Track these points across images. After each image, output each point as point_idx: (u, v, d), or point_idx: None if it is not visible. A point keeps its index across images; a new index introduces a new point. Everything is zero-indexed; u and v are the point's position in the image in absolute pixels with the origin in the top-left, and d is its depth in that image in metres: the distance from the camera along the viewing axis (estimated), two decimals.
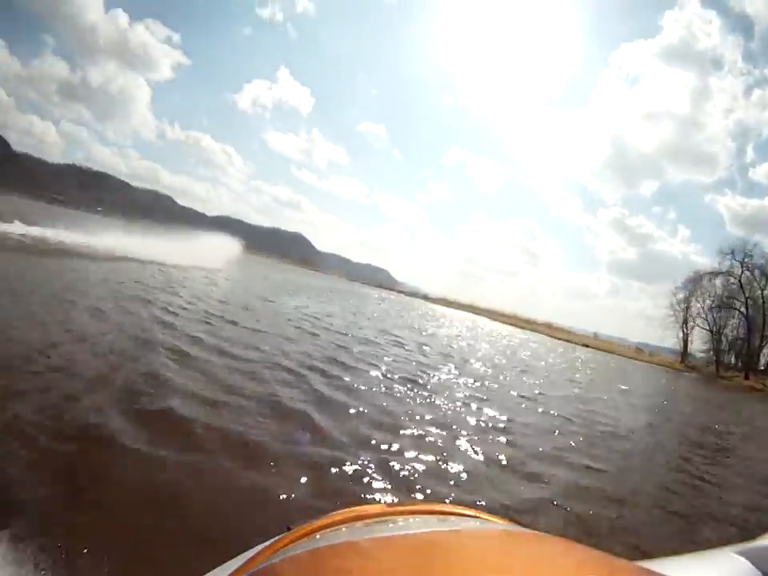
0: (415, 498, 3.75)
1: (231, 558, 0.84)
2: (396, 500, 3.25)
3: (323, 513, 0.80)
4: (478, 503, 3.83)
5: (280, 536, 0.75)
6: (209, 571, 0.83)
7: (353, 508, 0.84)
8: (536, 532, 0.69)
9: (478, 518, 0.81)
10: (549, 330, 72.64)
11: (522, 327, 72.87)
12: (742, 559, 0.84)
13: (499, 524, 0.79)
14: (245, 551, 0.80)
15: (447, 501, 3.72)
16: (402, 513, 0.78)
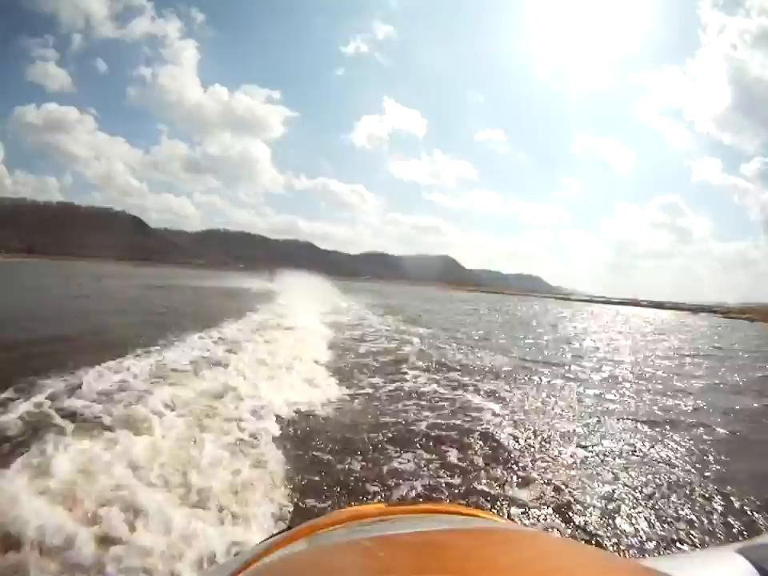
0: (415, 497, 3.83)
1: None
2: (395, 500, 3.25)
3: (323, 512, 0.87)
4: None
5: (280, 535, 0.79)
6: (209, 570, 0.99)
7: (352, 507, 0.89)
8: (536, 531, 0.75)
9: (478, 517, 0.84)
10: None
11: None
12: (743, 558, 0.83)
13: (499, 523, 0.84)
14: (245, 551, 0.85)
15: (447, 500, 3.74)
16: (401, 512, 0.81)
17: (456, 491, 3.98)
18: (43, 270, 59.87)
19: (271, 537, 0.84)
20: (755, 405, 8.57)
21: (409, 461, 4.53)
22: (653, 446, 5.61)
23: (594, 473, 4.61)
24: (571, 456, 5.00)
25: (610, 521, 3.60)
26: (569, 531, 3.43)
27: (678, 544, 3.29)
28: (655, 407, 7.74)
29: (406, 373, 8.73)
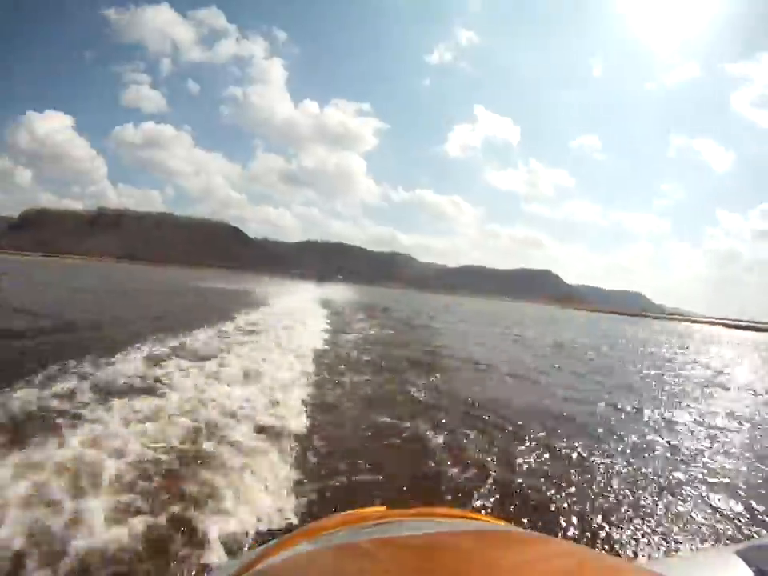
0: (416, 501, 3.74)
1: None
2: (396, 503, 1.95)
3: (324, 515, 0.87)
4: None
5: (281, 538, 0.79)
6: (209, 572, 0.96)
7: (353, 510, 0.91)
8: (536, 533, 0.73)
9: (478, 520, 0.84)
10: None
11: None
12: (741, 560, 0.85)
13: (499, 526, 0.83)
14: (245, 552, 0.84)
15: (448, 504, 3.73)
16: (402, 515, 0.81)
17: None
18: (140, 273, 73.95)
19: (271, 539, 0.83)
20: None
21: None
22: None
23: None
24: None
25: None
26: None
27: (677, 545, 3.29)
28: None
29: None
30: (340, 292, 52.44)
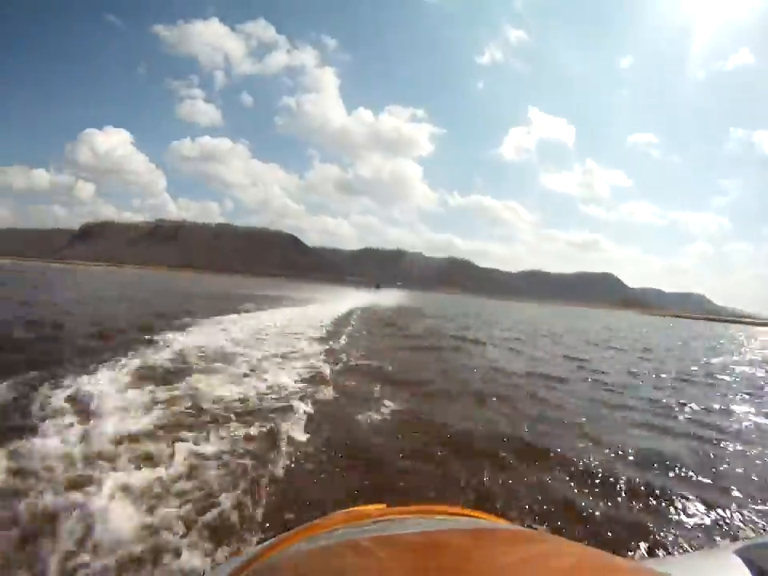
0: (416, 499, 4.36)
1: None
2: (396, 501, 2.02)
3: (323, 514, 0.86)
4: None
5: (280, 535, 0.79)
6: (209, 570, 0.91)
7: (353, 508, 0.90)
8: (536, 531, 0.74)
9: (479, 518, 0.84)
10: None
11: None
12: (741, 559, 0.85)
13: (500, 524, 0.85)
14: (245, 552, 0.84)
15: (448, 502, 3.49)
16: (402, 513, 0.81)
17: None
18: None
19: (272, 537, 0.84)
20: None
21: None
22: None
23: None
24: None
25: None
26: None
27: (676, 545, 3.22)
28: None
29: None
30: (391, 297, 49.01)
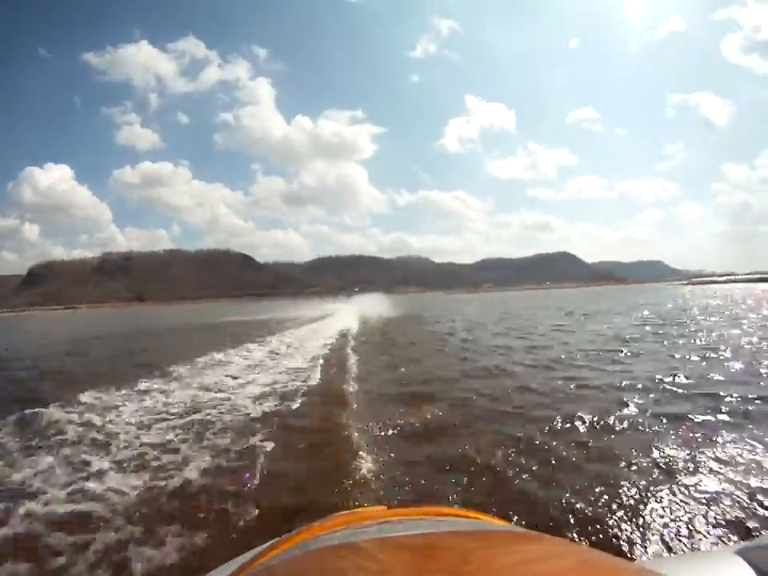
0: (417, 501, 3.81)
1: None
2: (396, 503, 3.22)
3: (323, 516, 0.87)
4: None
5: (280, 538, 0.80)
6: (207, 572, 0.87)
7: (353, 510, 0.92)
8: (536, 533, 0.73)
9: (478, 519, 0.84)
10: None
11: None
12: (742, 559, 0.84)
13: (499, 525, 0.84)
14: (244, 553, 0.86)
15: (448, 504, 3.77)
16: (402, 515, 0.81)
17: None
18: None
19: (271, 539, 0.83)
20: None
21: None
22: None
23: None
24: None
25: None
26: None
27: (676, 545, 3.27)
28: None
29: None
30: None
